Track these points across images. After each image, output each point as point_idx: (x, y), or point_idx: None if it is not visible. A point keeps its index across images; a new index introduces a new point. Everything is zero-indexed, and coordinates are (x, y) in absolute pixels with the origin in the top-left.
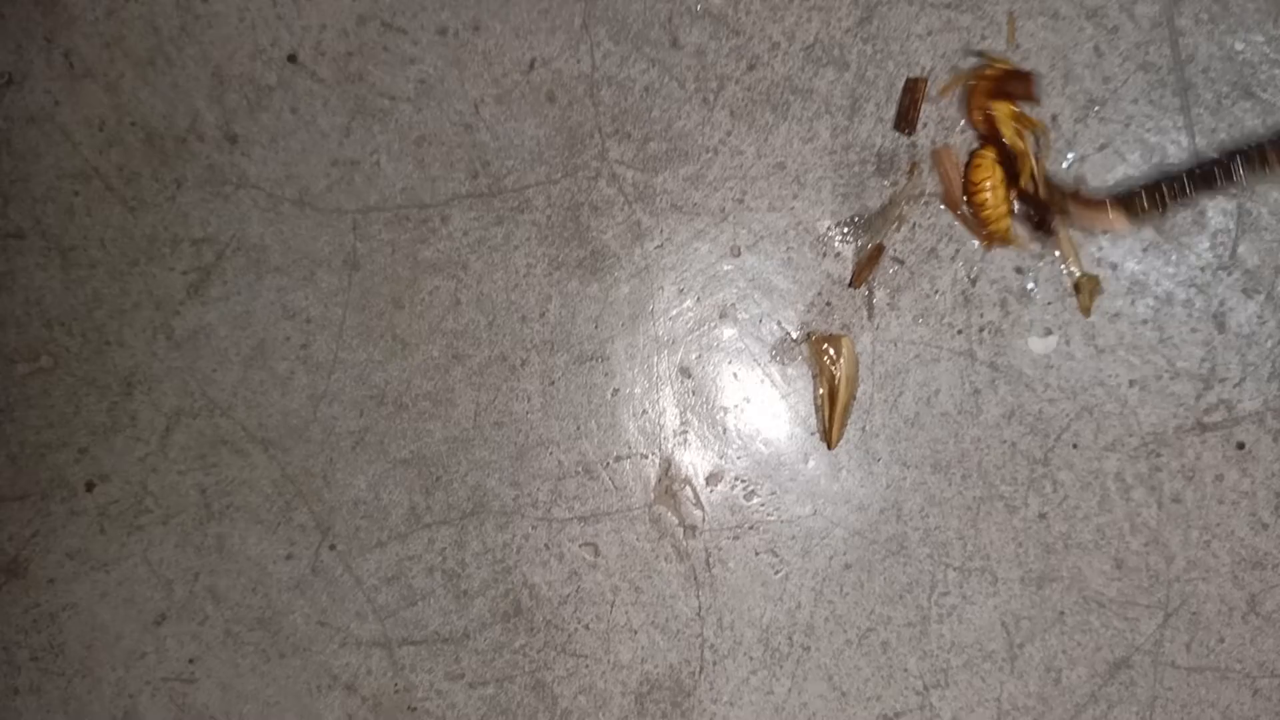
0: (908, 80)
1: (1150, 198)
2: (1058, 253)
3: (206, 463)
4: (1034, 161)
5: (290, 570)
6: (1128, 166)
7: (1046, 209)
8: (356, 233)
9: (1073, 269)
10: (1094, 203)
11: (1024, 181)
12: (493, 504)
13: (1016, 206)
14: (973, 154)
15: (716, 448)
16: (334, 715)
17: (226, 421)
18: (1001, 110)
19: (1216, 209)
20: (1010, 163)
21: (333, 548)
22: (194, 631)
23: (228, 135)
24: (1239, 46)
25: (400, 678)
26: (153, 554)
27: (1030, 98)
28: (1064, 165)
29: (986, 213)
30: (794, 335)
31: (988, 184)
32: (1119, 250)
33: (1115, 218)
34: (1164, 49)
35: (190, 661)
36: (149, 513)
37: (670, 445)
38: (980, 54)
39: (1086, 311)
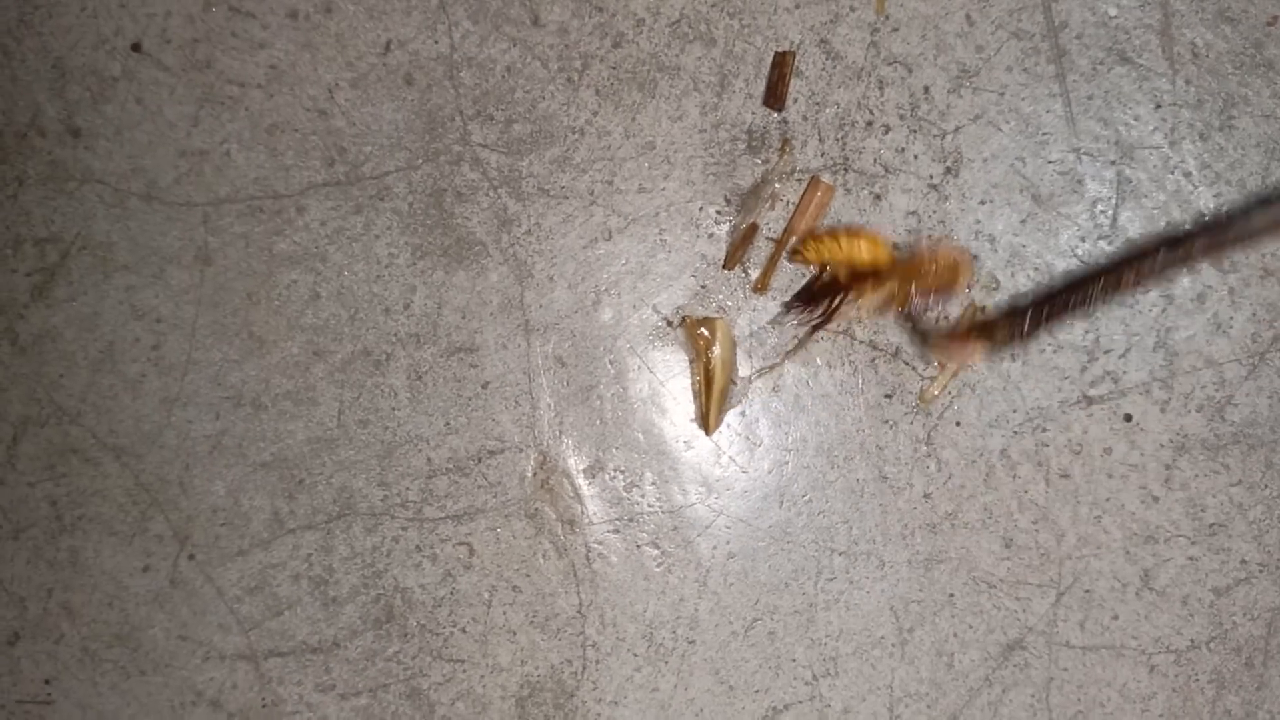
0: (776, 54)
1: (1011, 326)
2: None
3: (56, 473)
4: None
5: (148, 583)
6: (1003, 137)
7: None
8: (207, 226)
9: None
10: (956, 337)
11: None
12: (360, 506)
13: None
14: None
15: (594, 438)
16: None
17: (76, 429)
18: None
19: (1095, 177)
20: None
21: (192, 558)
22: (50, 650)
23: (70, 129)
24: (1112, 11)
25: (268, 691)
26: (3, 571)
27: (948, 289)
28: (940, 140)
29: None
30: (669, 319)
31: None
32: (998, 223)
33: (975, 349)
34: (1037, 16)
35: (47, 682)
36: None
37: (546, 438)
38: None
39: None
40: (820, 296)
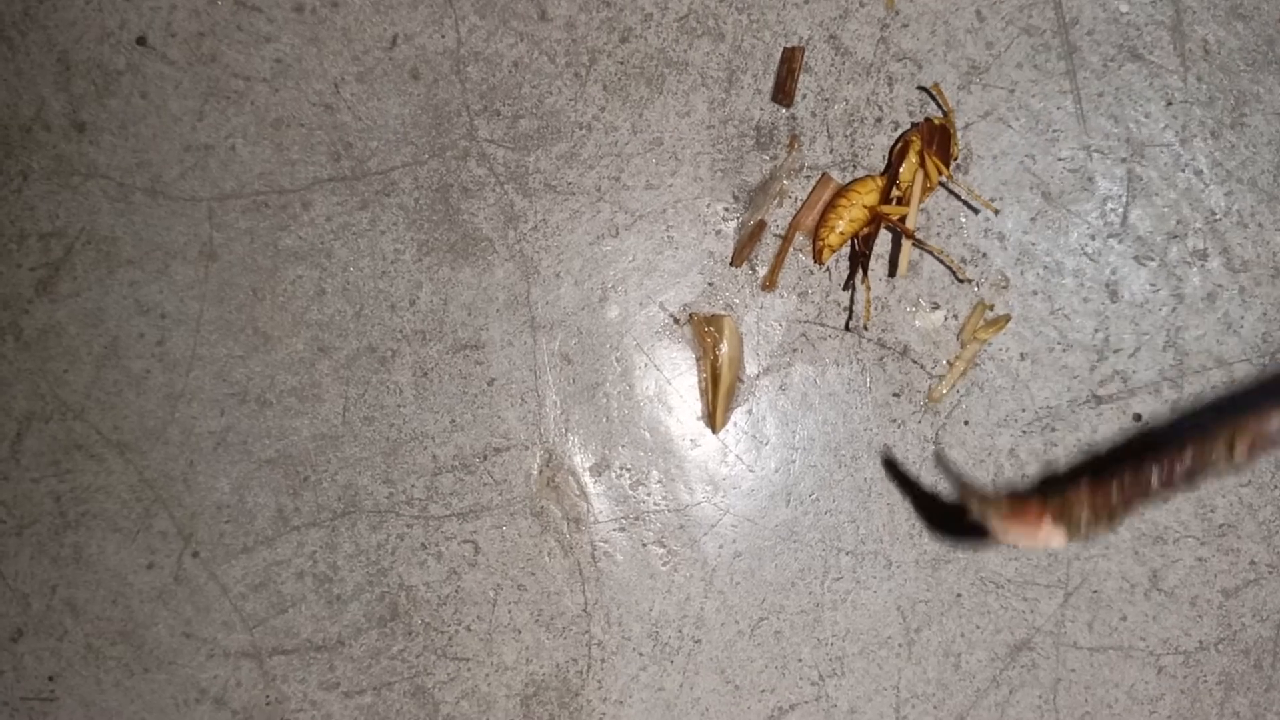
0: (785, 50)
1: (1092, 506)
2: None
3: (60, 469)
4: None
5: (152, 580)
6: (1013, 134)
7: (860, 264)
8: (212, 221)
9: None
10: (1026, 512)
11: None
12: (365, 503)
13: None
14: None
15: (600, 436)
16: None
17: (80, 425)
18: (915, 153)
19: (1106, 175)
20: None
21: (196, 555)
22: (53, 647)
23: (75, 123)
24: (1124, 8)
25: (272, 689)
26: (7, 567)
27: (946, 153)
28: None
29: (823, 233)
30: (676, 317)
31: (844, 219)
32: (1007, 220)
33: (1052, 532)
34: (1048, 12)
35: (50, 679)
36: (1, 523)
37: (552, 435)
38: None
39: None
40: (868, 249)
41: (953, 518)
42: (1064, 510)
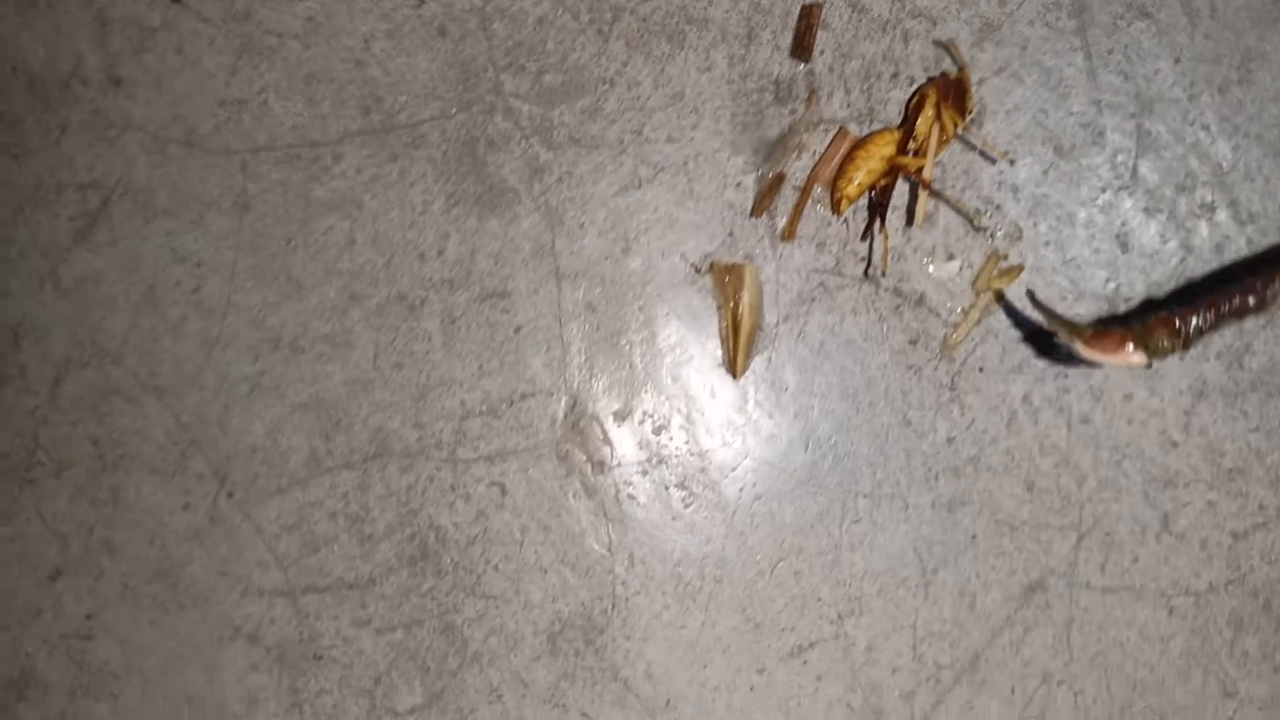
0: (803, 6)
1: (1171, 333)
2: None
3: (98, 413)
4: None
5: (188, 520)
6: (1025, 90)
7: (878, 214)
8: (246, 173)
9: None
10: (1109, 338)
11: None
12: (395, 446)
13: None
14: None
15: (623, 383)
16: (237, 666)
17: (117, 370)
18: (931, 103)
19: (1116, 129)
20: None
21: (231, 496)
22: (91, 586)
23: (112, 78)
24: None
25: (305, 626)
26: (46, 508)
27: (961, 106)
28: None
29: (841, 184)
30: (697, 266)
31: (862, 171)
32: (1019, 173)
33: (1133, 354)
34: None
35: (88, 617)
36: (41, 465)
37: (576, 382)
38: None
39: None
40: (885, 199)
41: (1047, 341)
42: (1145, 336)
